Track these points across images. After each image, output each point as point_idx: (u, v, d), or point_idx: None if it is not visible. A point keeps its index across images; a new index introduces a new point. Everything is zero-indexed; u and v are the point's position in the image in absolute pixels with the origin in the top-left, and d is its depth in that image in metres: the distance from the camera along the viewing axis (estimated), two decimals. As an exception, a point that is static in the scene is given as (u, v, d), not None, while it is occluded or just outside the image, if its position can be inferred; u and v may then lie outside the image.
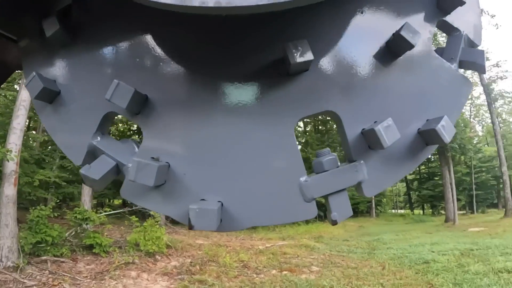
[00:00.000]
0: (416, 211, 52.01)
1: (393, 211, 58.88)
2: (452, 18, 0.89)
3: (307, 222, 23.50)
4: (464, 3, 0.84)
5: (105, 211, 14.51)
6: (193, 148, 0.86)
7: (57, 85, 0.98)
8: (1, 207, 9.92)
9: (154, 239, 11.73)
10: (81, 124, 0.93)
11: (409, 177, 53.83)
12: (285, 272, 10.29)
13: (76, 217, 11.98)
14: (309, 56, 0.75)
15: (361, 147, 0.80)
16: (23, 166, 13.21)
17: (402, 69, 0.84)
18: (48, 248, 10.47)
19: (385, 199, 50.83)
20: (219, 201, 0.83)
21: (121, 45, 0.95)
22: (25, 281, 8.53)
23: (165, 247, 11.95)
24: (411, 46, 0.79)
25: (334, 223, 0.89)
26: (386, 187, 0.87)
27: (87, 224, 12.07)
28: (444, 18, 0.88)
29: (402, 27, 0.79)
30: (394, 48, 0.83)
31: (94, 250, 11.27)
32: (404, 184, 57.66)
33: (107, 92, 0.81)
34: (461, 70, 0.90)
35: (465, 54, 0.86)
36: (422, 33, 0.81)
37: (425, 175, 50.16)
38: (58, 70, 1.00)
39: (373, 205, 37.27)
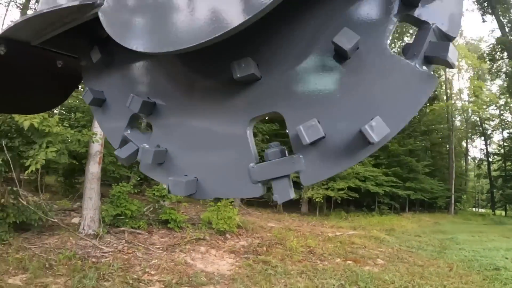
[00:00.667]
0: (497, 212, 44.87)
1: (474, 209, 52.78)
2: (420, 11, 0.86)
3: (381, 213, 22.56)
4: None
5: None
6: (182, 138, 1.14)
7: (104, 94, 1.34)
8: (86, 182, 10.78)
9: (226, 219, 12.00)
10: (117, 121, 1.29)
11: (494, 174, 48.19)
12: (349, 262, 9.89)
13: (154, 194, 12.67)
14: (249, 71, 0.91)
15: (299, 142, 0.88)
16: (108, 147, 14.23)
17: (349, 70, 0.89)
18: (127, 220, 11.11)
19: (465, 196, 45.67)
20: (195, 177, 1.08)
21: (138, 66, 1.30)
22: (103, 247, 9.07)
23: (236, 227, 12.16)
24: (345, 53, 0.83)
25: (276, 203, 0.91)
26: (322, 179, 0.96)
27: (164, 201, 12.79)
28: (409, 12, 0.86)
29: (339, 32, 0.85)
30: (336, 53, 0.89)
31: (169, 225, 11.77)
32: (488, 181, 51.35)
33: (127, 102, 1.14)
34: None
35: (431, 48, 0.82)
36: (376, 31, 0.86)
37: (511, 172, 44.17)
38: (103, 83, 1.37)
39: (453, 202, 34.44)
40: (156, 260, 8.56)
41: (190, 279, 7.47)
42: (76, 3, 1.02)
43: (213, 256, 9.53)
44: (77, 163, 14.18)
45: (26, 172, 8.09)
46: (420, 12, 0.86)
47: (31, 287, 6.17)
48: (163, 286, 6.91)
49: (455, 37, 0.86)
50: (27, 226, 9.38)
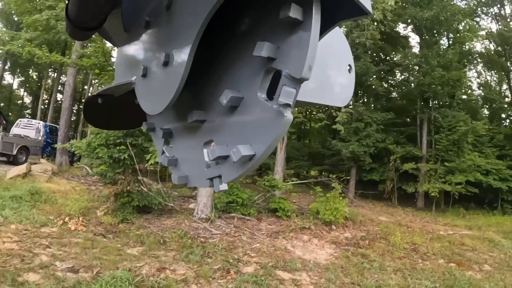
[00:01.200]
0: None
1: None
2: (276, 62, 0.87)
3: (503, 212, 19.65)
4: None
5: (292, 181, 15.85)
6: (181, 152, 1.25)
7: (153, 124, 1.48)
8: (203, 173, 12.12)
9: (333, 210, 12.26)
10: (159, 142, 1.37)
11: None
12: (452, 264, 9.12)
13: (264, 184, 13.59)
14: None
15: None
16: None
17: (236, 112, 0.96)
18: (238, 207, 12.06)
19: None
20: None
21: None
22: (212, 230, 10.10)
23: (343, 219, 12.25)
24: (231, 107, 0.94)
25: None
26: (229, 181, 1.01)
27: (274, 190, 13.56)
28: (270, 66, 0.88)
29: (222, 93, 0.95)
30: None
31: (277, 214, 12.37)
32: None
33: (158, 133, 1.28)
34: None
35: (283, 93, 0.92)
36: (251, 85, 0.91)
37: None
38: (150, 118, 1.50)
39: None
40: (258, 244, 9.28)
41: (286, 263, 7.97)
42: (124, 81, 1.24)
43: (314, 245, 9.86)
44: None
45: (147, 164, 9.61)
46: (276, 63, 0.89)
47: (145, 257, 7.38)
48: (259, 267, 7.53)
49: (306, 79, 0.86)
50: (148, 209, 11.05)
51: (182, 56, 0.88)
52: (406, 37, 27.55)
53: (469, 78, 29.78)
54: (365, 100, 26.93)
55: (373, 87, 22.49)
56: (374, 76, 22.69)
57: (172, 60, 0.93)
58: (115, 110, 1.31)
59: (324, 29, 0.83)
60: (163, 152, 1.25)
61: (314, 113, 25.46)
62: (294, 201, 15.86)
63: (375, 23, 16.29)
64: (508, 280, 8.35)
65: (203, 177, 0.97)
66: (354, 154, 20.71)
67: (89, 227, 9.12)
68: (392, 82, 27.64)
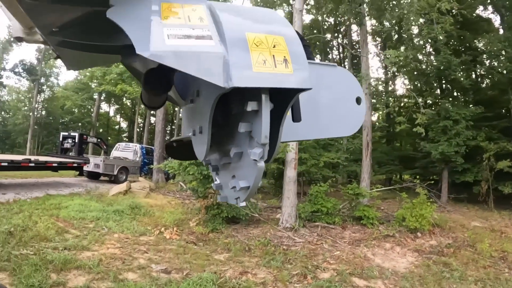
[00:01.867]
0: None
1: None
2: (252, 132, 1.10)
3: None
4: None
5: (377, 188, 15.78)
6: (224, 176, 1.36)
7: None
8: (284, 185, 12.66)
9: (418, 216, 12.07)
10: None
11: None
12: None
13: (348, 192, 13.79)
14: None
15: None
16: (310, 151, 15.98)
17: None
18: (323, 216, 12.36)
19: None
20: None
21: None
22: (296, 238, 10.59)
23: (430, 225, 11.91)
24: None
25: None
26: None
27: (357, 198, 13.66)
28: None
29: None
30: None
31: (362, 222, 12.42)
32: None
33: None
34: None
35: (253, 153, 1.09)
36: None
37: None
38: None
39: None
40: (339, 252, 9.58)
41: (363, 271, 8.18)
42: (185, 136, 1.43)
43: (396, 253, 9.86)
44: (283, 168, 16.51)
45: None
46: (252, 133, 1.09)
47: (230, 262, 8.15)
48: (335, 274, 7.86)
49: (265, 143, 1.06)
50: (237, 220, 12.02)
51: (206, 128, 1.12)
52: (488, 20, 25.24)
53: None
54: (452, 95, 25.19)
55: (460, 80, 21.23)
56: (459, 69, 21.30)
57: (203, 129, 1.17)
58: (186, 149, 1.55)
59: (287, 104, 1.04)
60: (215, 180, 1.44)
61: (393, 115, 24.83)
62: (382, 208, 15.78)
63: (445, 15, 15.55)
64: None
65: (232, 198, 1.19)
66: (444, 155, 19.64)
67: (182, 236, 10.23)
68: (478, 72, 25.32)
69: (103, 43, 1.16)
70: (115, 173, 21.31)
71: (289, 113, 1.12)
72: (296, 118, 1.14)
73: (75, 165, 19.39)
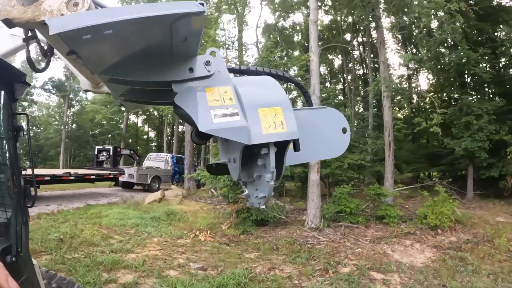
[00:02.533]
0: None
1: None
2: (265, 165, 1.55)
3: None
4: None
5: (398, 187, 16.42)
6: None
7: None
8: (309, 188, 13.56)
9: (438, 214, 12.70)
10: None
11: None
12: None
13: (370, 192, 14.51)
14: None
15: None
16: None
17: None
18: (346, 216, 13.17)
19: None
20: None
21: None
22: (320, 237, 11.53)
23: (451, 222, 12.46)
24: None
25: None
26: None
27: (379, 198, 14.37)
28: None
29: None
30: None
31: (384, 220, 13.15)
32: None
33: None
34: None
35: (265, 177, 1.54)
36: None
37: None
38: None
39: None
40: (360, 249, 10.43)
41: (381, 266, 8.99)
42: (222, 161, 1.76)
43: (415, 250, 10.58)
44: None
45: None
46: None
47: (259, 260, 9.18)
48: (355, 269, 8.72)
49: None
50: (265, 222, 13.10)
51: (238, 160, 1.56)
52: (507, 9, 24.32)
53: None
54: (474, 89, 24.94)
55: (480, 74, 20.92)
56: (479, 63, 21.10)
57: (236, 160, 1.58)
58: (222, 169, 1.84)
59: (286, 144, 1.50)
60: (244, 191, 1.73)
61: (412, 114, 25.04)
62: (406, 206, 16.42)
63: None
64: None
65: (256, 203, 1.56)
66: (468, 151, 19.72)
67: (215, 238, 11.36)
68: (499, 64, 24.84)
69: (162, 100, 1.62)
70: (148, 182, 22.75)
71: (291, 146, 1.55)
72: (296, 149, 1.60)
73: (111, 176, 20.90)
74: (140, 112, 49.22)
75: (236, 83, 1.53)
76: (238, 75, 1.79)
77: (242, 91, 1.48)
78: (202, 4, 1.15)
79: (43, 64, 2.07)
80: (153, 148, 52.62)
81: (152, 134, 59.30)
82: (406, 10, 18.99)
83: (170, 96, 1.45)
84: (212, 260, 8.95)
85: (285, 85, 14.45)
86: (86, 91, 2.86)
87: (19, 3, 1.45)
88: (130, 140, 49.79)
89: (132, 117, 49.64)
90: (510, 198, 19.38)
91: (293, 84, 2.20)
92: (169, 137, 46.86)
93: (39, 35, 1.69)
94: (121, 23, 1.11)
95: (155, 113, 50.31)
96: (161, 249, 9.68)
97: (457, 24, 16.00)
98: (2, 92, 2.51)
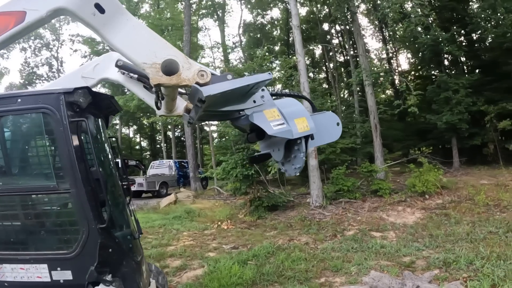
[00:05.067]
0: None
1: None
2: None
3: None
4: None
5: (387, 163, 18.75)
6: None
7: None
8: (309, 172, 15.63)
9: (424, 182, 14.90)
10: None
11: None
12: None
13: (363, 170, 16.77)
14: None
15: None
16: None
17: None
18: (345, 193, 15.23)
19: None
20: None
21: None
22: (325, 213, 13.66)
23: (436, 188, 14.42)
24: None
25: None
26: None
27: (371, 175, 16.59)
28: None
29: None
30: None
31: (378, 193, 15.21)
32: None
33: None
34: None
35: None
36: None
37: None
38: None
39: None
40: (360, 218, 12.60)
41: (379, 227, 11.17)
42: (265, 152, 2.74)
43: (406, 213, 12.71)
44: (306, 159, 19.51)
45: (269, 174, 13.82)
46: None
47: (279, 235, 11.35)
48: (358, 231, 10.88)
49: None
50: (276, 207, 15.37)
51: (281, 149, 2.60)
52: None
53: None
54: (450, 66, 27.08)
55: (453, 52, 22.76)
56: (450, 42, 22.68)
57: (279, 149, 2.62)
58: (264, 156, 2.63)
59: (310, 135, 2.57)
60: (281, 168, 2.58)
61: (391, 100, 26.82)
62: (398, 180, 18.66)
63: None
64: None
65: (294, 172, 2.58)
66: (450, 124, 21.70)
67: (236, 225, 13.50)
68: (466, 42, 26.70)
69: (226, 119, 3.09)
70: (157, 188, 24.74)
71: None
72: (312, 138, 2.51)
73: (125, 187, 22.69)
74: (130, 123, 50.93)
75: (277, 105, 2.52)
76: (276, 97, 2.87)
77: (283, 110, 2.48)
78: (269, 74, 2.40)
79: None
80: (147, 156, 54.49)
81: (144, 144, 61.01)
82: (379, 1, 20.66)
83: (232, 116, 2.63)
84: (240, 241, 11.06)
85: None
86: (161, 115, 4.18)
87: (163, 74, 2.22)
88: (124, 152, 51.38)
89: (123, 129, 51.24)
90: (493, 163, 21.63)
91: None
92: (166, 144, 48.61)
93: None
94: (236, 88, 2.27)
95: (145, 122, 52.01)
96: (194, 239, 11.69)
97: (424, 12, 17.84)
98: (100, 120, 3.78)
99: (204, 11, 38.34)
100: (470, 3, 26.58)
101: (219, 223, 13.74)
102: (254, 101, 2.45)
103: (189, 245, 10.90)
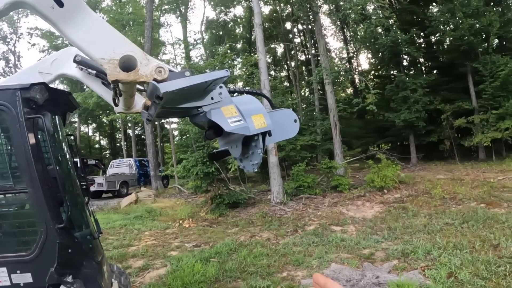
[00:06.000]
0: None
1: None
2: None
3: None
4: None
5: (346, 159, 19.23)
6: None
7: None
8: (269, 169, 15.79)
9: (382, 177, 15.40)
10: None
11: None
12: (482, 205, 11.01)
13: (323, 167, 17.10)
14: None
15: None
16: (288, 140, 19.29)
17: None
18: (305, 190, 15.47)
19: None
20: None
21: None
22: (286, 209, 13.82)
23: (395, 183, 15.01)
24: None
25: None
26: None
27: (331, 171, 16.95)
28: None
29: None
30: None
31: (338, 189, 15.60)
32: None
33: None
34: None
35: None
36: None
37: None
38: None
39: None
40: (320, 213, 12.87)
41: (339, 221, 11.46)
42: (223, 148, 2.64)
43: (365, 207, 13.13)
44: (266, 156, 19.73)
45: (230, 172, 13.84)
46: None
47: (241, 232, 11.43)
48: (318, 226, 11.12)
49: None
50: (237, 204, 15.45)
51: (239, 145, 2.40)
52: None
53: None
54: (409, 67, 28.27)
55: (412, 53, 23.84)
56: (409, 44, 23.81)
57: (237, 146, 2.42)
58: (223, 153, 2.56)
59: (267, 131, 2.37)
60: (240, 164, 2.47)
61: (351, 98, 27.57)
62: (357, 176, 19.21)
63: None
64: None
65: (252, 168, 2.41)
66: (407, 122, 22.75)
67: (198, 223, 13.47)
68: (425, 44, 28.10)
69: (185, 116, 2.97)
70: (117, 188, 24.28)
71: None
72: (269, 134, 2.44)
73: (83, 187, 22.15)
74: (89, 121, 49.73)
75: (235, 102, 2.46)
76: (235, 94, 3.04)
77: (240, 107, 2.41)
78: (227, 71, 2.37)
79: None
80: (107, 155, 53.35)
81: (104, 142, 59.69)
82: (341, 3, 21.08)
83: (190, 113, 2.53)
84: (202, 239, 11.06)
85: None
86: (119, 113, 4.04)
87: (120, 70, 2.17)
88: (83, 151, 50.13)
89: (82, 127, 50.02)
90: (449, 159, 22.92)
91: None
92: (126, 142, 47.72)
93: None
94: (194, 85, 2.27)
95: (104, 120, 50.96)
96: (156, 239, 11.58)
97: (385, 14, 18.48)
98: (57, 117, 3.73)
99: (166, 6, 37.95)
100: (430, 7, 27.87)
101: (180, 221, 13.68)
102: (212, 98, 2.45)
103: (151, 245, 10.81)
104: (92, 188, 23.08)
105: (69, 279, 3.13)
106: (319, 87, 28.74)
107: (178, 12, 38.94)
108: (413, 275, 6.43)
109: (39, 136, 3.15)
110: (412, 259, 7.33)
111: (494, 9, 24.61)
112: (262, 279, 7.00)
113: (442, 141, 23.93)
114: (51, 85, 3.56)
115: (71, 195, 3.65)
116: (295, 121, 2.87)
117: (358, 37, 27.54)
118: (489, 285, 5.63)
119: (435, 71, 27.08)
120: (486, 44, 23.41)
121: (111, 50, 2.20)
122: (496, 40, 25.71)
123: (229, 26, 42.15)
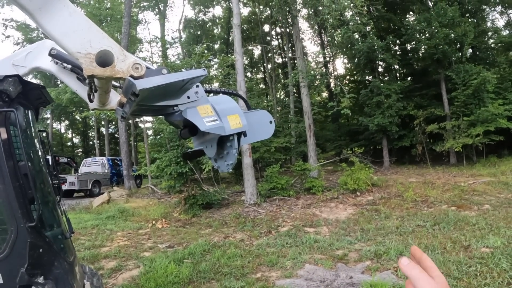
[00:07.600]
0: None
1: None
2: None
3: None
4: None
5: (320, 162, 19.42)
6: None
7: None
8: (243, 170, 15.84)
9: (355, 180, 15.65)
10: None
11: None
12: (453, 208, 11.27)
13: (296, 169, 17.19)
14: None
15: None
16: (263, 141, 19.32)
17: None
18: (279, 191, 15.58)
19: None
20: None
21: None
22: (259, 210, 13.86)
23: (368, 185, 15.30)
24: None
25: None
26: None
27: (305, 173, 17.08)
28: None
29: None
30: None
31: (311, 191, 15.72)
32: None
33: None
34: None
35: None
36: None
37: None
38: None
39: None
40: (294, 214, 12.94)
41: (313, 223, 11.55)
42: (198, 148, 2.55)
43: (339, 209, 13.29)
44: (240, 157, 19.70)
45: (204, 172, 13.74)
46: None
47: (214, 233, 11.37)
48: (292, 227, 11.19)
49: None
50: (210, 205, 15.42)
51: (214, 145, 2.31)
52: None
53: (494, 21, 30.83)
54: (384, 73, 28.93)
55: (387, 59, 24.55)
56: (385, 51, 24.57)
57: (212, 145, 2.32)
58: (198, 152, 2.54)
59: (242, 132, 2.26)
60: (214, 164, 2.42)
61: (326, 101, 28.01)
62: (331, 179, 19.41)
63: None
64: (500, 215, 9.98)
65: (225, 168, 2.33)
66: (381, 126, 23.34)
67: (171, 224, 13.34)
68: (400, 51, 28.81)
69: (160, 114, 2.83)
70: (90, 187, 23.77)
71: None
72: (244, 135, 2.35)
73: (55, 185, 21.61)
74: (62, 117, 48.68)
75: (211, 101, 2.41)
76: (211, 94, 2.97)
77: (216, 107, 2.35)
78: (204, 70, 2.32)
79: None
80: (79, 153, 52.27)
81: (76, 140, 58.49)
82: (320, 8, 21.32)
83: (166, 111, 2.42)
84: (175, 240, 10.96)
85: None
86: (93, 109, 3.94)
87: (97, 65, 2.07)
88: (54, 148, 49.00)
89: (55, 124, 48.96)
90: (421, 163, 23.53)
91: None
92: (99, 141, 46.88)
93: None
94: (171, 83, 2.20)
95: (78, 117, 50.00)
96: (128, 239, 11.40)
97: (363, 20, 18.85)
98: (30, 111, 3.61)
99: (145, 3, 37.61)
100: (407, 16, 28.63)
101: (153, 222, 13.52)
102: (188, 97, 2.40)
103: (124, 246, 10.63)
104: (64, 187, 22.59)
105: (40, 280, 3.01)
106: (294, 90, 29.06)
107: (156, 10, 38.62)
108: (386, 275, 6.55)
109: (10, 131, 3.03)
110: (385, 259, 7.46)
111: (470, 20, 25.68)
112: (236, 280, 6.98)
113: (415, 146, 24.50)
114: (25, 79, 3.43)
115: (42, 193, 3.58)
116: (271, 122, 2.83)
117: (335, 42, 27.91)
118: (460, 285, 5.77)
119: (409, 78, 27.88)
120: (460, 54, 24.13)
121: (88, 44, 2.12)
122: (470, 50, 26.65)
123: (207, 26, 42.06)
